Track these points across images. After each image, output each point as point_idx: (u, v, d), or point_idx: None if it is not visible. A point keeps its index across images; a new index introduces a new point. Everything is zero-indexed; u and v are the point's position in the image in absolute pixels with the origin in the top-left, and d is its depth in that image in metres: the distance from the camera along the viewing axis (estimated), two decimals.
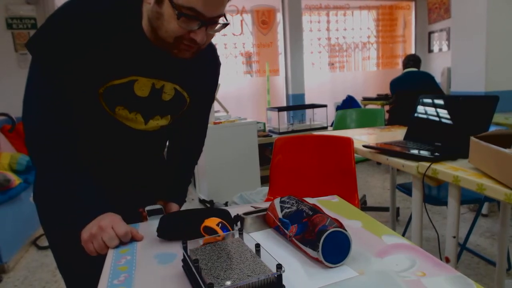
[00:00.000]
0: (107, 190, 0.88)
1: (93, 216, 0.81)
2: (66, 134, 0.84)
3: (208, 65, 1.02)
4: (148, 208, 0.97)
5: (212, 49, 1.02)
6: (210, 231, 0.74)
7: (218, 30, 0.81)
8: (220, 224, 0.74)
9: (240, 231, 0.74)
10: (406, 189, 2.12)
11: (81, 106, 0.86)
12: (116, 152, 0.96)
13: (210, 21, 0.77)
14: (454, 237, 1.32)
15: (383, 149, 1.53)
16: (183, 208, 1.06)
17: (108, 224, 0.79)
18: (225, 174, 3.34)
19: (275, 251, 0.74)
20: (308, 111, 4.51)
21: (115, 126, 0.90)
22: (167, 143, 1.14)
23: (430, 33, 5.52)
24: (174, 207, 1.05)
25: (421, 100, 1.66)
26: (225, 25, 0.81)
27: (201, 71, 0.99)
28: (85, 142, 0.90)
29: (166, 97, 0.93)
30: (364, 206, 3.16)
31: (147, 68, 0.87)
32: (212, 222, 0.75)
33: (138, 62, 0.86)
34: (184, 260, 0.67)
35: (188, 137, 1.13)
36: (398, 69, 5.29)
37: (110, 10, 0.81)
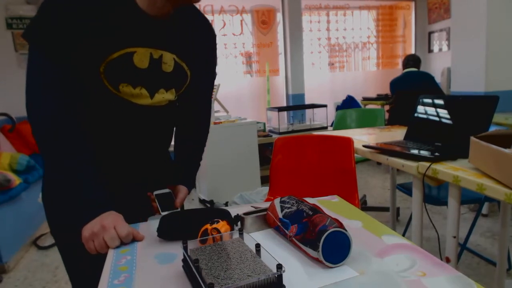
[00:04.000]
0: (114, 183, 0.88)
1: (96, 214, 0.81)
2: (73, 121, 0.84)
3: (203, 35, 1.03)
4: (156, 192, 0.96)
5: (206, 21, 1.04)
6: (207, 235, 0.74)
7: None
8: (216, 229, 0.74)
9: (240, 231, 0.74)
10: (406, 189, 2.12)
11: (85, 88, 0.86)
12: (125, 134, 0.95)
13: None
14: (455, 237, 1.32)
15: (383, 149, 1.53)
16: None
17: (111, 223, 0.79)
18: (225, 174, 3.34)
19: (275, 251, 0.74)
20: (308, 111, 4.51)
21: (121, 105, 0.89)
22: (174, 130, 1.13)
23: (430, 33, 5.53)
24: (183, 190, 1.03)
25: (421, 100, 1.66)
26: None
27: (197, 41, 1.00)
28: (93, 126, 0.90)
29: (167, 68, 0.93)
30: (364, 206, 3.16)
31: (142, 38, 0.87)
32: (214, 226, 0.75)
33: (133, 33, 0.86)
34: (184, 260, 0.67)
35: (193, 119, 1.13)
36: (398, 69, 5.29)
37: None
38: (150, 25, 0.87)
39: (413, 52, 5.68)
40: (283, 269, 0.58)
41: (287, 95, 5.20)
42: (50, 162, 0.87)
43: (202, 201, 3.47)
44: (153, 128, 0.99)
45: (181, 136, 1.13)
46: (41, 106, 0.82)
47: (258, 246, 0.66)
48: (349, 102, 5.09)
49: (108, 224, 0.79)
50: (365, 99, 5.20)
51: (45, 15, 0.80)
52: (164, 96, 0.95)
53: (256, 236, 0.81)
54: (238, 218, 0.85)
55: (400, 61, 5.39)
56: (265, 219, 0.86)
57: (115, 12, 0.83)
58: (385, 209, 3.06)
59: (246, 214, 0.86)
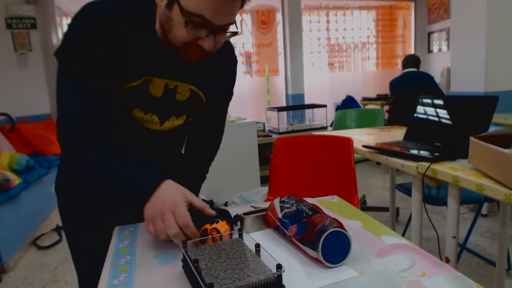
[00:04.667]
0: None
1: (152, 189, 0.76)
2: (101, 130, 0.84)
3: (225, 62, 1.02)
4: None
5: (229, 48, 1.02)
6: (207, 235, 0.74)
7: (227, 38, 0.81)
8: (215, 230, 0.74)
9: (240, 231, 0.74)
10: (406, 189, 2.12)
11: (105, 109, 0.87)
12: (132, 145, 0.95)
13: (218, 29, 0.76)
14: (454, 237, 1.32)
15: (382, 149, 1.53)
16: None
17: (170, 207, 0.73)
18: (225, 174, 3.34)
19: (275, 251, 0.74)
20: (308, 111, 4.51)
21: (131, 127, 0.91)
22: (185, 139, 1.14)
23: (429, 33, 5.53)
24: None
25: (420, 100, 1.66)
26: (234, 33, 0.80)
27: (218, 72, 0.99)
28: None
29: (181, 98, 0.94)
30: (364, 206, 3.17)
31: (160, 69, 0.88)
32: (213, 226, 0.75)
33: (150, 62, 0.86)
34: (184, 260, 0.67)
35: (204, 133, 1.13)
36: (398, 69, 5.29)
37: (127, 13, 0.82)
38: (168, 56, 0.86)
39: (412, 52, 5.68)
40: (282, 269, 0.58)
41: (287, 95, 5.20)
42: (83, 155, 0.83)
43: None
44: (160, 145, 1.00)
45: (192, 149, 1.12)
46: (73, 117, 0.82)
47: (257, 246, 0.66)
48: (348, 102, 5.09)
49: (167, 209, 0.72)
50: (364, 99, 5.20)
51: (78, 39, 0.79)
52: (174, 122, 0.97)
53: (255, 236, 0.81)
54: (238, 218, 0.85)
55: (399, 61, 5.39)
56: (265, 219, 0.86)
57: (137, 42, 0.83)
58: (385, 209, 3.06)
59: (246, 214, 0.86)
